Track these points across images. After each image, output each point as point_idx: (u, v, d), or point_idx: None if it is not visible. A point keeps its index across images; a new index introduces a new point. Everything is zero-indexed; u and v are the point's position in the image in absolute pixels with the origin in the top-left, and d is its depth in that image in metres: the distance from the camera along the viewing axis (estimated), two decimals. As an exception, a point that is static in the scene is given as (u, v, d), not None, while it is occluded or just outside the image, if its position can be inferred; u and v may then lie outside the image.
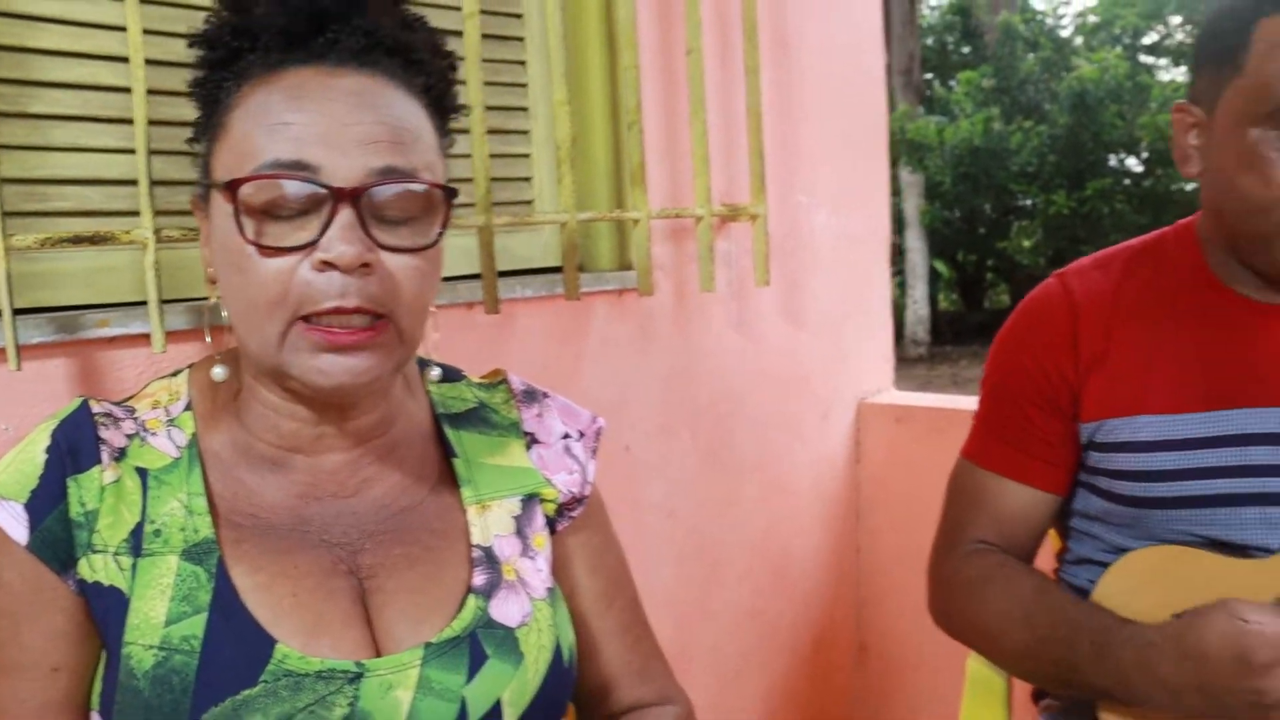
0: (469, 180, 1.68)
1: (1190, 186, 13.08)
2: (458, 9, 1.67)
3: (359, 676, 0.87)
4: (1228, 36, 1.25)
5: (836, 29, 2.40)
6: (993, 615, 1.37)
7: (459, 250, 1.77)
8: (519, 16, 1.94)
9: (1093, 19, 15.78)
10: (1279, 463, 1.27)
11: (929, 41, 16.50)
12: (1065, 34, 15.25)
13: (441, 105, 0.96)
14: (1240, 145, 1.23)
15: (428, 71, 0.94)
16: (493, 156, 1.87)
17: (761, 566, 2.26)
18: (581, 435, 1.10)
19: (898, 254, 13.76)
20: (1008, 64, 12.28)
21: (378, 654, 0.89)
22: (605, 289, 1.92)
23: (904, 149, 12.23)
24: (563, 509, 1.06)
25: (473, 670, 0.91)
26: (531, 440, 1.06)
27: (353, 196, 0.84)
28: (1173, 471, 1.31)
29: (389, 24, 0.91)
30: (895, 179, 13.65)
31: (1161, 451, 1.31)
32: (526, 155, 1.95)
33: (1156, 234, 1.44)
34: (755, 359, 2.19)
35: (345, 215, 0.84)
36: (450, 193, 0.91)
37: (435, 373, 1.05)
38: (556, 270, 1.87)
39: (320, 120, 0.85)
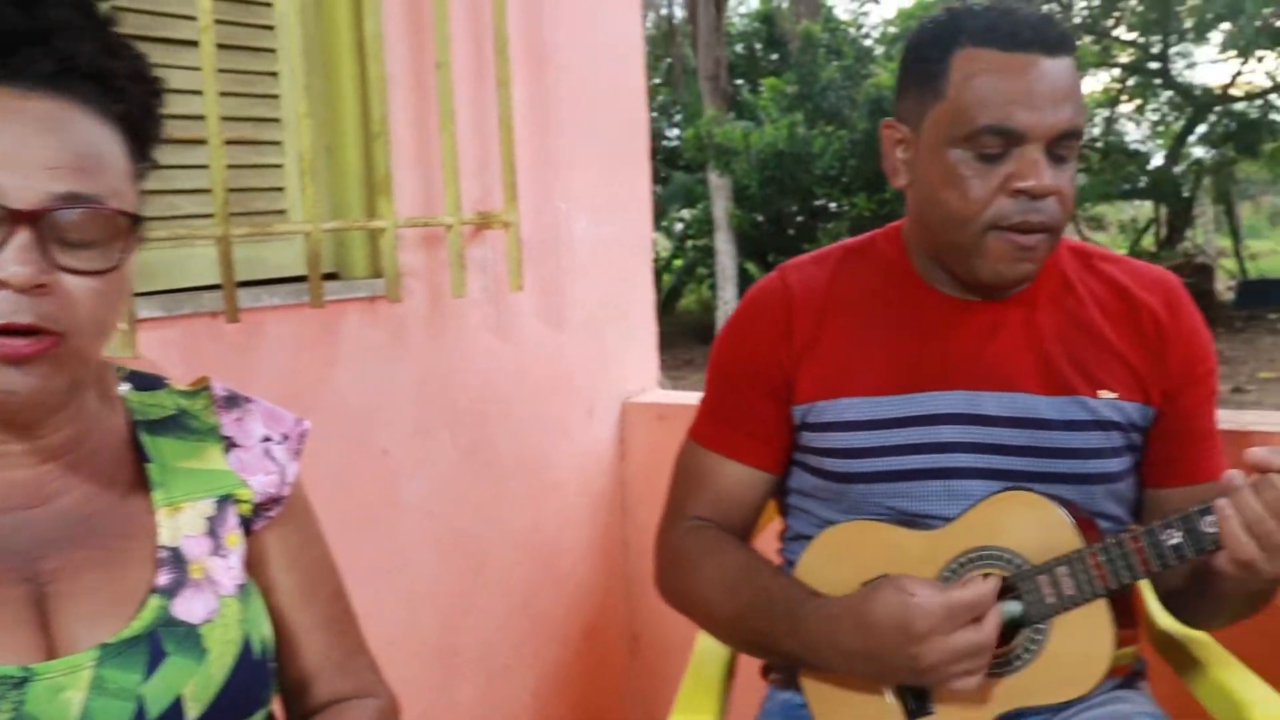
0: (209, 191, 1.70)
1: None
2: (194, 19, 1.69)
3: (24, 681, 0.89)
4: (930, 63, 1.38)
5: (596, 40, 2.49)
6: (705, 587, 1.48)
7: (207, 260, 1.79)
8: (271, 28, 1.96)
9: (892, 29, 16.43)
10: (962, 440, 1.41)
11: (739, 48, 16.90)
12: (868, 43, 15.83)
13: (140, 132, 0.98)
14: (941, 164, 1.36)
15: (127, 98, 0.95)
16: (244, 167, 1.89)
17: (529, 562, 2.33)
18: (285, 438, 1.14)
19: (708, 256, 14.06)
20: (810, 71, 12.68)
21: (53, 657, 0.92)
22: (357, 296, 1.96)
23: (712, 153, 12.51)
24: (259, 509, 1.10)
25: (151, 668, 0.93)
26: (230, 444, 1.10)
27: (31, 219, 0.87)
28: (871, 449, 1.43)
29: (88, 49, 0.92)
30: (704, 183, 13.94)
31: (863, 430, 1.44)
32: (279, 165, 1.98)
33: (869, 235, 1.57)
34: (515, 361, 2.26)
35: (23, 237, 0.86)
36: (136, 219, 0.94)
37: (124, 387, 1.08)
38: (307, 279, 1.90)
39: (4, 142, 0.87)
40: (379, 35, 1.93)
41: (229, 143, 1.76)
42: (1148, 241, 16.68)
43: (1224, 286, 16.33)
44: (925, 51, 1.40)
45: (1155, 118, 17.22)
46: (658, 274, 16.36)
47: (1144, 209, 17.88)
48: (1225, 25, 14.04)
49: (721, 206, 13.30)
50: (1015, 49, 1.32)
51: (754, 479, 1.53)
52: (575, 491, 2.43)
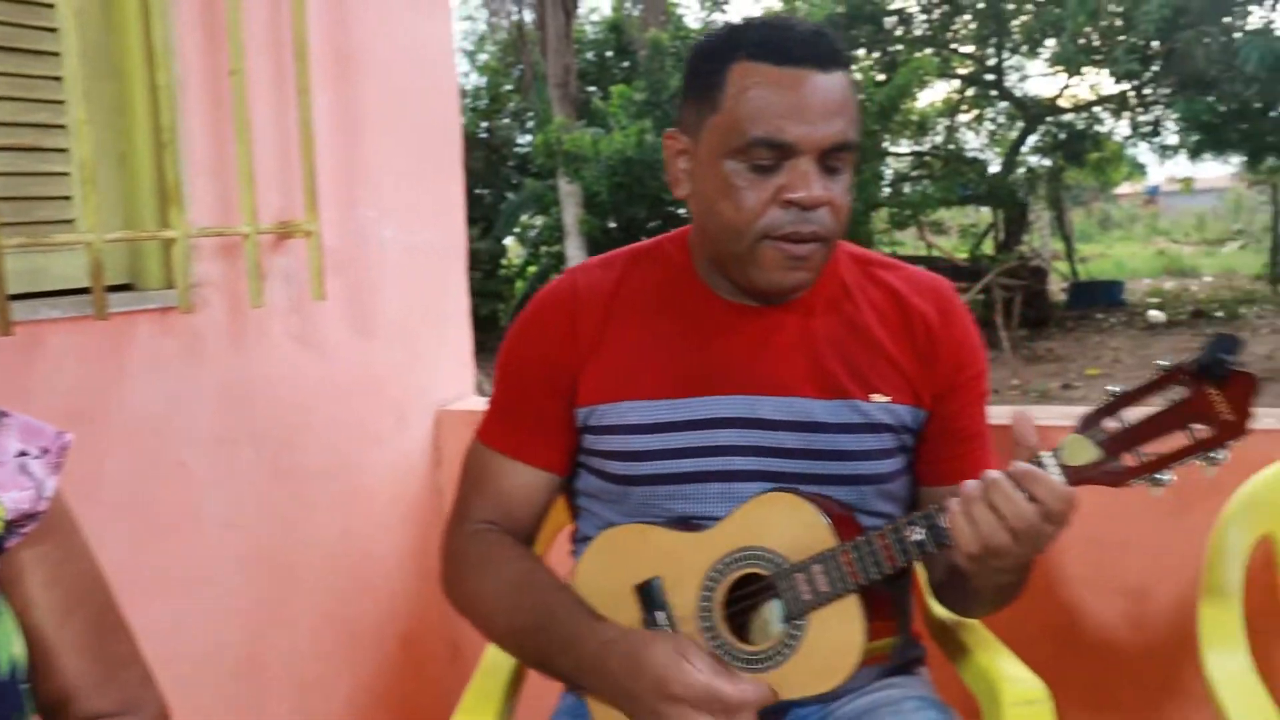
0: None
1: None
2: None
3: None
4: (707, 76, 1.42)
5: (404, 44, 2.48)
6: (487, 597, 1.50)
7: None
8: (54, 30, 1.91)
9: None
10: (740, 443, 1.46)
11: (589, 55, 16.96)
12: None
13: None
14: (717, 174, 1.40)
15: None
16: (26, 174, 1.84)
17: (340, 572, 2.32)
18: (45, 451, 1.12)
19: (561, 262, 14.08)
20: (658, 79, 12.81)
21: None
22: (149, 307, 1.92)
23: (562, 160, 12.53)
24: (13, 525, 1.08)
25: None
26: None
27: None
28: (651, 452, 1.47)
29: None
30: (554, 190, 13.96)
31: (643, 434, 1.47)
32: (66, 174, 1.93)
33: (657, 239, 1.61)
34: (321, 370, 2.25)
35: None
36: None
37: None
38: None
39: None
40: (169, 41, 1.90)
41: (5, 149, 1.71)
42: (987, 245, 17.26)
43: (1058, 288, 17.03)
44: (704, 64, 1.43)
45: (992, 127, 17.84)
46: (510, 280, 16.36)
47: (984, 214, 18.50)
48: (1051, 41, 14.62)
49: (572, 213, 13.34)
50: (788, 64, 1.36)
51: (539, 480, 1.55)
52: (387, 500, 2.43)
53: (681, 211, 13.05)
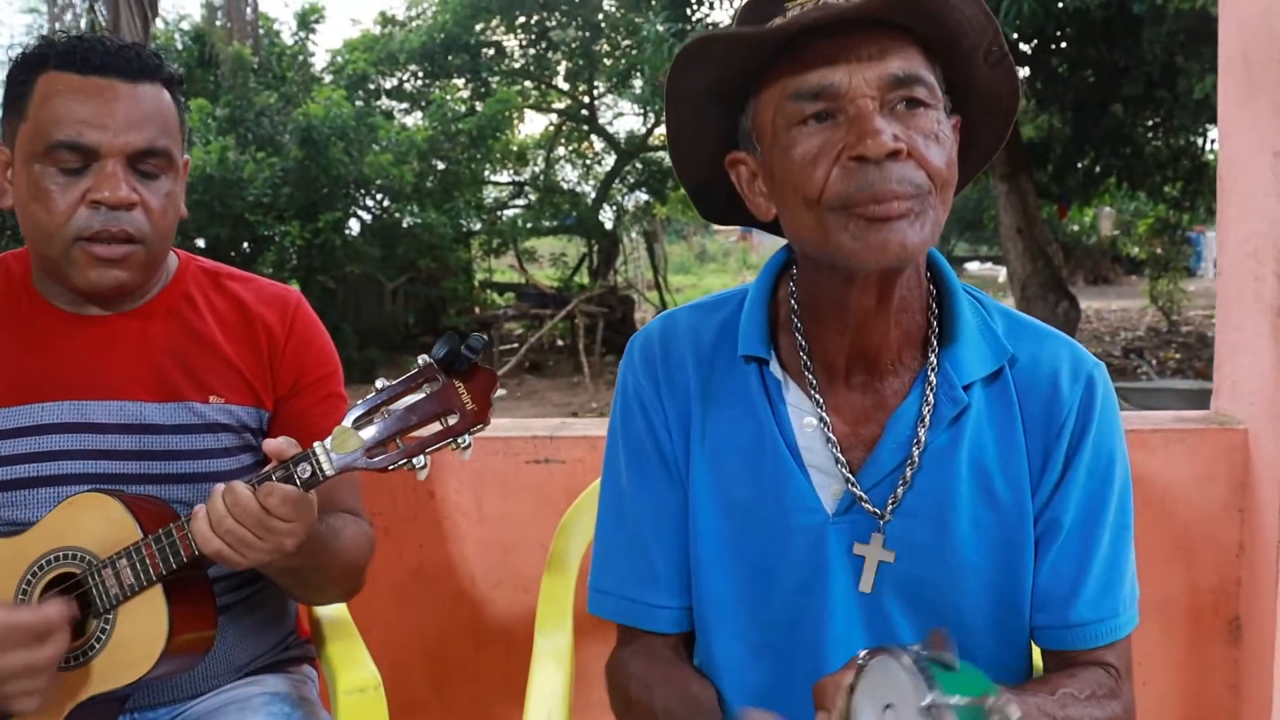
0: None
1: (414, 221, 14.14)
2: None
3: None
4: (17, 87, 1.44)
5: None
6: None
7: None
8: None
9: (340, 59, 16.48)
10: (70, 448, 1.45)
11: (175, 66, 16.14)
12: (316, 71, 15.75)
13: None
14: (29, 180, 1.41)
15: None
16: None
17: None
18: None
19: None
20: (242, 95, 12.43)
21: None
22: None
23: (134, 175, 11.85)
24: None
25: None
26: None
27: None
28: None
29: None
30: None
31: None
32: None
33: (2, 255, 1.58)
34: None
35: None
36: None
37: None
38: None
39: None
40: None
41: None
42: (582, 276, 17.94)
43: (650, 315, 17.97)
44: (16, 74, 1.45)
45: (588, 161, 18.63)
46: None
47: (580, 244, 19.20)
48: (638, 81, 15.48)
49: (149, 231, 12.61)
50: (91, 73, 1.40)
51: None
52: None
53: (266, 233, 12.69)
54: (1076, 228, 22.32)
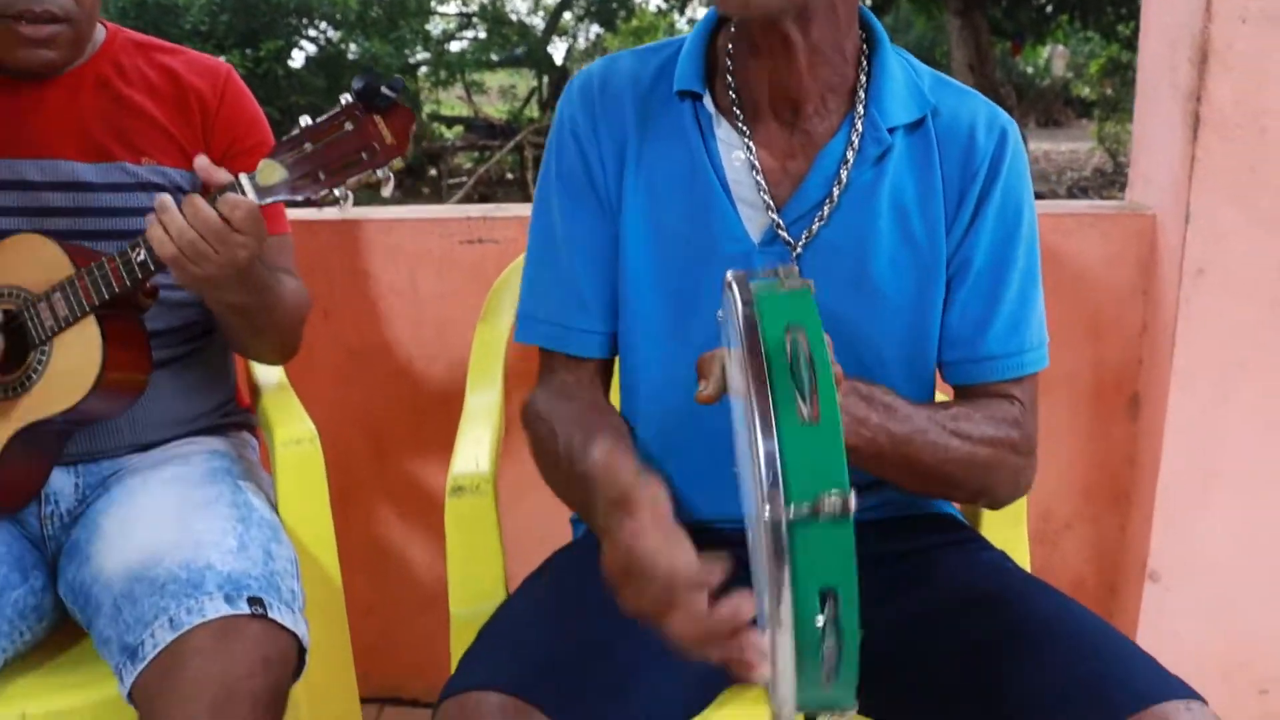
0: None
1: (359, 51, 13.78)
2: None
3: None
4: None
5: None
6: None
7: None
8: None
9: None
10: (8, 205, 1.50)
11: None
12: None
13: None
14: None
15: None
16: None
17: None
18: None
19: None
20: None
21: None
22: None
23: None
24: None
25: None
26: None
27: None
28: None
29: None
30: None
31: None
32: None
33: None
34: None
35: None
36: None
37: None
38: None
39: None
40: None
41: None
42: (532, 109, 17.66)
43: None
44: None
45: (537, -9, 18.15)
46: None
47: (527, 77, 18.85)
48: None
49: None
50: None
51: None
52: None
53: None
54: (1031, 70, 22.18)
